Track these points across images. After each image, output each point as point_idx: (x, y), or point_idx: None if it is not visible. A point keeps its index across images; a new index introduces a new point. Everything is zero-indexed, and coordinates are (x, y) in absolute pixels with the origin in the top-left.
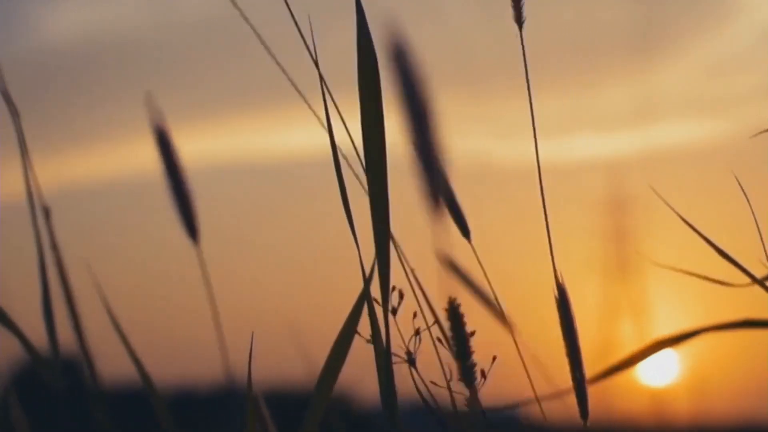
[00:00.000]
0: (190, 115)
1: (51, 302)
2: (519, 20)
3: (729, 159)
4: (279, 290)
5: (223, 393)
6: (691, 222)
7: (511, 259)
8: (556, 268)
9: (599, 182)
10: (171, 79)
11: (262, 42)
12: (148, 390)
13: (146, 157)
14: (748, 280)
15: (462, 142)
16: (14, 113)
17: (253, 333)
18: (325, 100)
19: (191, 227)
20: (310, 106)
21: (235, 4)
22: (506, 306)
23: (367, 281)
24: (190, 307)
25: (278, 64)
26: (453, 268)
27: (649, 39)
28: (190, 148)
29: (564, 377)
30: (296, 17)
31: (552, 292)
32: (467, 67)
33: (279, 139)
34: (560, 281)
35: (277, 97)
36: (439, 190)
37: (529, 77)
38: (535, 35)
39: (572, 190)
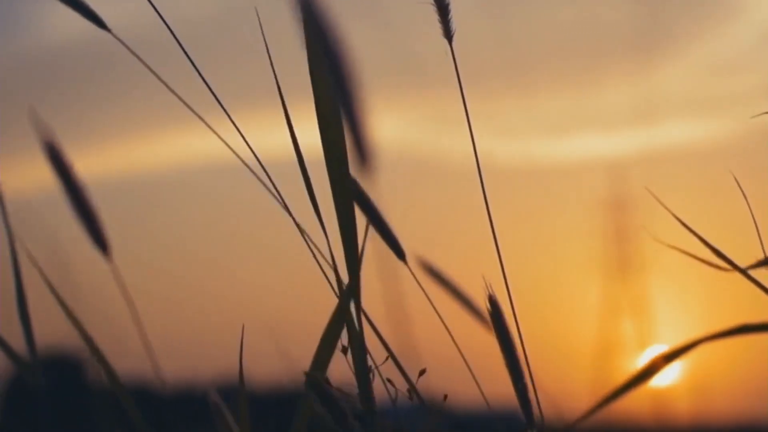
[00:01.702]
0: (180, 113)
1: (26, 303)
2: (448, 35)
3: (730, 158)
4: (265, 289)
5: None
6: (691, 221)
7: (510, 257)
8: (487, 283)
9: (600, 182)
10: (171, 78)
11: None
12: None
13: (149, 155)
14: (746, 246)
15: (463, 140)
16: None
17: (243, 326)
18: (284, 104)
19: (100, 241)
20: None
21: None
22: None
23: (346, 294)
24: (186, 306)
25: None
26: (429, 269)
27: (650, 39)
28: (192, 146)
29: (552, 377)
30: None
31: (552, 291)
32: (469, 65)
33: (280, 137)
34: (491, 294)
35: (276, 96)
36: (364, 145)
37: (463, 88)
38: (535, 35)
39: (573, 189)
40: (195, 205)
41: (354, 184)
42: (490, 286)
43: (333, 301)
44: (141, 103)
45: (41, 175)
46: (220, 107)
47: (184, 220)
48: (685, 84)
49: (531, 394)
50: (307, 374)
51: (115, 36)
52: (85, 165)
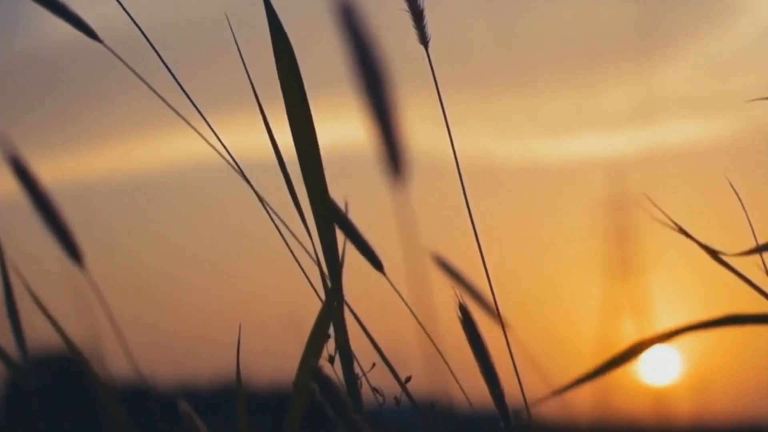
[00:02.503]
0: (193, 112)
1: (15, 303)
2: (424, 41)
3: (730, 158)
4: (279, 284)
5: (225, 390)
6: (691, 220)
7: (511, 257)
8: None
9: (601, 181)
10: (170, 79)
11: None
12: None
13: (147, 155)
14: (745, 247)
15: (463, 140)
16: None
17: (240, 325)
18: (261, 106)
19: (72, 251)
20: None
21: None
22: (502, 304)
23: (333, 290)
24: (187, 306)
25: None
26: (443, 265)
27: (650, 39)
28: (195, 145)
29: (559, 374)
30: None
31: (553, 290)
32: (469, 66)
33: (282, 136)
34: (462, 303)
35: (277, 96)
36: (397, 155)
37: (441, 93)
38: (537, 35)
39: (573, 189)
40: (193, 205)
41: (329, 201)
42: (461, 295)
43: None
44: (140, 104)
45: (46, 175)
46: (218, 108)
47: (183, 220)
48: (687, 83)
49: (513, 398)
50: (309, 364)
51: (106, 46)
52: (84, 165)
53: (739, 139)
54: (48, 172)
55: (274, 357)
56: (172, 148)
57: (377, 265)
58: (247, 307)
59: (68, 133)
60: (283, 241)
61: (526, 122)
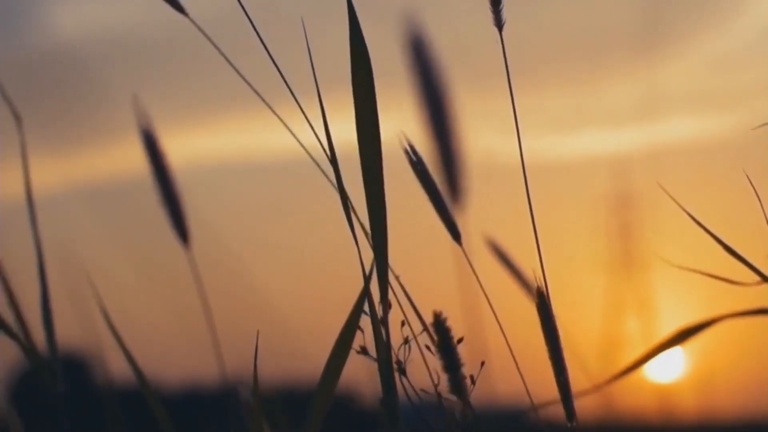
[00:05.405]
0: (192, 112)
1: (50, 304)
2: (498, 24)
3: (734, 154)
4: (278, 288)
5: (226, 392)
6: (697, 218)
7: (513, 256)
8: (538, 272)
9: (604, 178)
10: (172, 77)
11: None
12: (142, 388)
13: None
14: (755, 278)
15: (467, 139)
16: (16, 117)
17: (258, 331)
18: (321, 102)
19: (182, 230)
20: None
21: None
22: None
23: (367, 281)
24: (190, 307)
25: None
26: (495, 249)
27: (653, 36)
28: (191, 145)
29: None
30: (293, 18)
31: (557, 290)
32: (472, 63)
33: (282, 137)
34: (540, 287)
35: (279, 95)
36: (457, 178)
37: (511, 79)
38: (539, 32)
39: (577, 186)
40: (201, 205)
41: (420, 163)
42: (540, 279)
43: (345, 301)
44: (148, 103)
45: (62, 174)
46: (221, 107)
47: (192, 221)
48: (690, 80)
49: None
50: (436, 315)
51: (192, 21)
52: (87, 165)
53: (742, 135)
54: (49, 172)
55: (270, 356)
56: (176, 147)
57: (456, 235)
58: (246, 308)
59: (70, 132)
60: (309, 237)
61: (528, 119)
